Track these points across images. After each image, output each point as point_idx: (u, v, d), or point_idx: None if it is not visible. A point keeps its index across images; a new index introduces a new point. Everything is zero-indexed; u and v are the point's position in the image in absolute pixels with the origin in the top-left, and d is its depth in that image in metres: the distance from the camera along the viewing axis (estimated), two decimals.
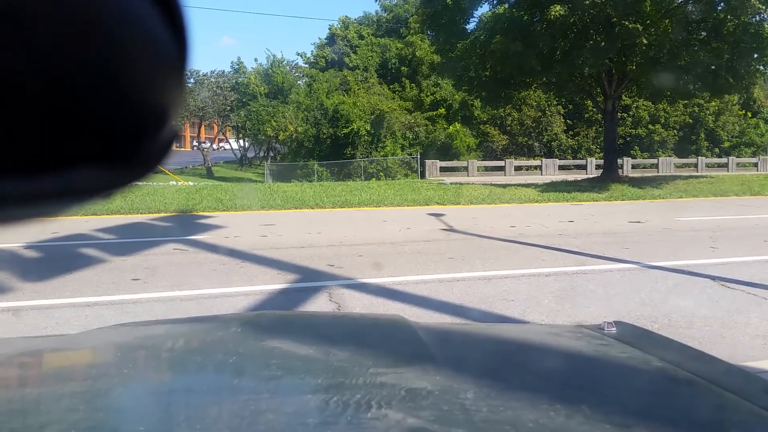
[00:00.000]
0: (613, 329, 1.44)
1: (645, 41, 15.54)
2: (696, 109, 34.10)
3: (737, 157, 33.87)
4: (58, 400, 0.96)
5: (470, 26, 19.81)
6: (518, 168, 31.50)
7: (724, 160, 33.19)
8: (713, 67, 16.59)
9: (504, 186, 17.72)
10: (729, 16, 15.73)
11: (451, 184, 18.79)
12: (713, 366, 1.20)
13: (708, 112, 34.38)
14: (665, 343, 1.38)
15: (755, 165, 33.04)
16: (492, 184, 18.33)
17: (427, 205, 14.19)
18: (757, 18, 15.80)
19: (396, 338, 1.39)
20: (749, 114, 36.02)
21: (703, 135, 34.95)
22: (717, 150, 34.91)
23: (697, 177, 19.82)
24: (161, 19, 0.32)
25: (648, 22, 15.72)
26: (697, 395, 1.05)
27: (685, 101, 24.59)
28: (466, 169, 30.57)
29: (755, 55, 15.88)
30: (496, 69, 18.52)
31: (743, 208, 13.38)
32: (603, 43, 16.00)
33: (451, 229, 9.99)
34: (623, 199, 15.45)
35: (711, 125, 34.80)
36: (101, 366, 1.25)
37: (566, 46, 17.07)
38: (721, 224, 10.35)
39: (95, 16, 0.29)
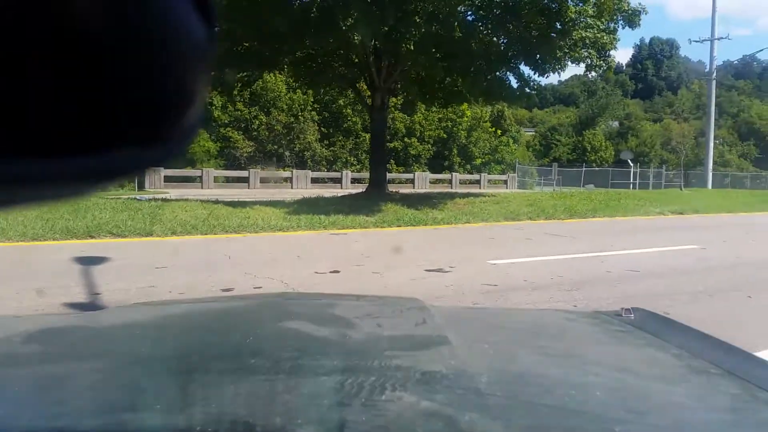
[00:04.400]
0: (631, 315, 1.43)
1: (430, 8, 11.52)
2: (449, 123, 33.08)
3: (488, 174, 33.66)
4: (77, 378, 0.99)
5: None
6: (265, 180, 26.78)
7: (476, 176, 32.71)
8: (510, 53, 13.38)
9: (240, 205, 12.23)
10: None
11: (152, 200, 12.69)
12: (732, 354, 1.16)
13: (461, 127, 33.62)
14: (684, 331, 1.34)
15: (504, 182, 33.13)
16: (222, 202, 12.74)
17: (92, 237, 8.16)
18: None
19: (412, 321, 1.40)
20: (499, 131, 36.29)
21: (455, 150, 34.10)
22: (469, 166, 34.34)
23: (477, 195, 16.75)
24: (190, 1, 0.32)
25: None
26: (716, 384, 1.04)
27: (449, 107, 21.68)
28: (200, 179, 24.76)
29: (558, 42, 12.74)
30: (234, 34, 12.96)
31: (566, 240, 9.87)
32: (375, 9, 11.58)
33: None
34: (400, 225, 11.20)
35: (464, 141, 34.11)
36: (120, 344, 1.25)
37: (327, 2, 12.32)
38: (578, 272, 6.31)
39: None
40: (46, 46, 0.27)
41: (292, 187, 26.22)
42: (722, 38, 31.95)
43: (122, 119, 0.31)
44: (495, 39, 13.78)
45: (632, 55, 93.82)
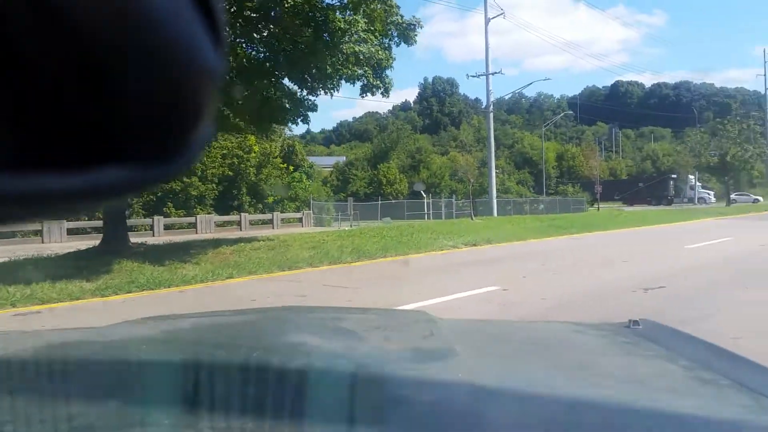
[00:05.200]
0: (639, 326, 1.42)
1: None
2: (236, 160, 30.24)
3: (282, 212, 31.34)
4: (86, 391, 1.00)
5: None
6: (3, 235, 21.27)
7: (268, 216, 30.20)
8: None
9: None
10: None
11: None
12: (742, 365, 1.16)
13: (249, 164, 30.92)
14: (692, 342, 1.35)
15: (300, 220, 31.06)
16: None
17: None
18: None
19: (419, 333, 1.42)
20: (291, 167, 34.21)
21: (245, 189, 31.25)
22: (261, 206, 31.69)
23: (249, 240, 14.00)
24: (199, 18, 0.32)
25: None
26: (725, 395, 1.03)
27: (224, 138, 18.86)
28: None
29: (328, 56, 10.62)
30: None
31: (348, 294, 7.72)
32: None
33: None
34: (131, 290, 8.18)
35: (253, 179, 31.42)
36: (128, 358, 1.26)
37: None
38: None
39: (134, 12, 0.29)
40: (54, 61, 0.27)
41: (43, 241, 21.26)
42: (496, 73, 33.63)
43: (130, 135, 0.31)
44: (252, 52, 11.52)
45: (418, 93, 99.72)
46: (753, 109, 56.08)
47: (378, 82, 12.13)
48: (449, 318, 1.72)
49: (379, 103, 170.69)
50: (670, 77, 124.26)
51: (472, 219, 19.57)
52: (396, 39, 12.55)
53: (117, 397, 0.97)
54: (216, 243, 13.07)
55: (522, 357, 1.30)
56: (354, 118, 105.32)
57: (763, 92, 61.94)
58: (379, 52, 11.54)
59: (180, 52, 0.31)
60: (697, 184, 49.02)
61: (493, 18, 31.25)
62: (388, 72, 12.40)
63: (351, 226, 26.60)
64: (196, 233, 23.82)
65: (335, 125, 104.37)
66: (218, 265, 10.25)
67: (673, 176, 38.54)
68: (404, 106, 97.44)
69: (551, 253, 12.03)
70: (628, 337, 1.38)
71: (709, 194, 50.38)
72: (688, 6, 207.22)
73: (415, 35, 12.72)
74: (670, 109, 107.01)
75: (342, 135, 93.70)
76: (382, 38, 12.02)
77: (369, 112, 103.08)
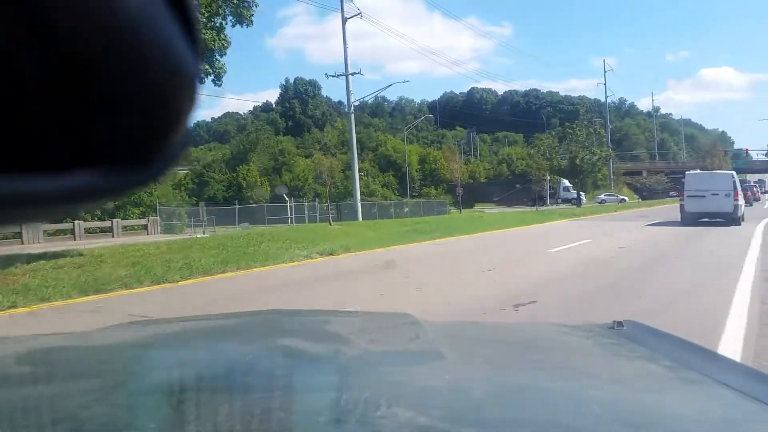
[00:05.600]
0: (623, 328, 1.42)
1: None
2: None
3: (124, 219, 28.05)
4: (71, 398, 0.97)
5: None
6: None
7: (107, 223, 26.89)
8: None
9: None
10: None
11: None
12: (724, 365, 1.20)
13: None
14: (675, 342, 1.36)
15: (145, 227, 27.99)
16: None
17: None
18: None
19: (406, 336, 1.42)
20: None
21: None
22: (99, 212, 28.14)
23: (63, 255, 11.52)
24: (174, 21, 0.32)
25: None
26: (707, 394, 1.04)
27: None
28: None
29: None
30: None
31: None
32: None
33: None
34: None
35: None
36: (113, 363, 1.25)
37: None
38: None
39: (111, 15, 0.28)
40: (29, 64, 0.27)
41: (22, 242, 17.24)
42: (355, 73, 32.71)
43: (107, 140, 0.31)
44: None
45: (279, 95, 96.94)
46: (595, 116, 60.64)
47: (207, 68, 10.40)
48: (435, 321, 1.81)
49: (240, 104, 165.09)
50: (520, 85, 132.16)
51: (330, 225, 18.16)
52: (230, 18, 10.89)
53: (102, 402, 0.95)
54: (9, 260, 10.49)
55: (508, 359, 1.32)
56: (213, 118, 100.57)
57: (602, 100, 67.75)
58: (205, 32, 9.85)
59: (157, 56, 0.30)
60: (569, 185, 51.88)
61: (350, 18, 30.50)
62: (219, 56, 10.71)
63: (204, 233, 24.28)
64: (22, 244, 20.24)
65: (192, 126, 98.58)
66: (1, 290, 7.94)
67: (547, 178, 40.44)
68: (265, 107, 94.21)
69: (414, 263, 10.96)
70: (613, 338, 1.40)
71: (581, 195, 53.85)
72: (533, 19, 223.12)
73: (251, 15, 11.18)
74: (521, 115, 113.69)
75: (200, 136, 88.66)
76: (210, 17, 10.29)
77: (228, 112, 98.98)
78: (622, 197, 55.35)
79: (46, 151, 0.29)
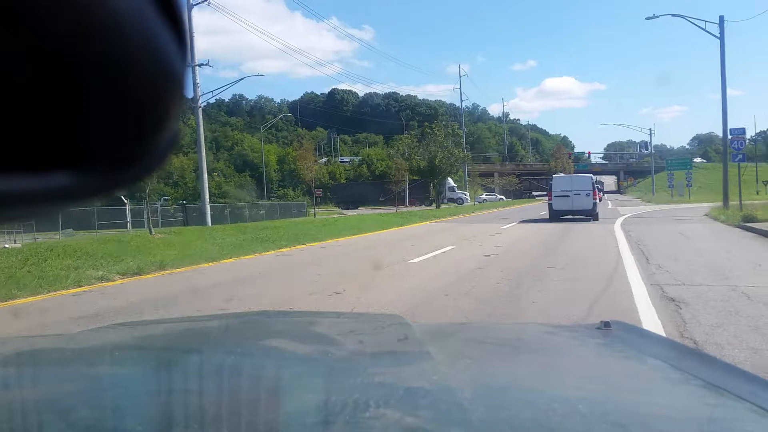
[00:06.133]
0: (610, 328, 1.43)
1: None
2: None
3: None
4: (57, 400, 0.97)
5: None
6: None
7: None
8: None
9: None
10: None
11: None
12: (711, 365, 1.19)
13: None
14: (662, 343, 1.37)
15: None
16: None
17: None
18: None
19: (394, 337, 1.42)
20: None
21: None
22: None
23: None
24: (162, 21, 0.32)
25: None
26: (696, 395, 1.04)
27: None
28: None
29: None
30: None
31: None
32: None
33: None
34: None
35: None
36: (99, 365, 1.23)
37: None
38: None
39: (99, 15, 0.29)
40: (18, 63, 0.27)
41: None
42: (203, 64, 29.48)
43: (95, 139, 0.31)
44: None
45: None
46: (451, 119, 61.58)
47: None
48: (423, 322, 1.75)
49: None
50: (380, 88, 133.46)
51: (151, 233, 15.02)
52: None
53: (88, 404, 0.94)
54: None
55: (496, 359, 1.31)
56: None
57: (458, 105, 69.50)
58: None
59: (145, 56, 0.31)
60: (454, 185, 54.71)
61: (196, 4, 27.40)
62: None
63: (16, 242, 19.83)
64: None
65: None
66: None
67: (435, 180, 39.41)
68: None
69: (244, 285, 8.48)
70: (600, 338, 1.40)
71: (465, 195, 56.63)
72: (391, 26, 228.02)
73: None
74: (381, 116, 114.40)
75: None
76: None
77: None
78: (500, 196, 60.62)
79: (31, 150, 0.28)
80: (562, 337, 1.50)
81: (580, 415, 0.87)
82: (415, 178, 43.35)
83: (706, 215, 21.39)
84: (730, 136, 20.70)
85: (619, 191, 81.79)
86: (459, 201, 53.57)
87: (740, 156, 20.59)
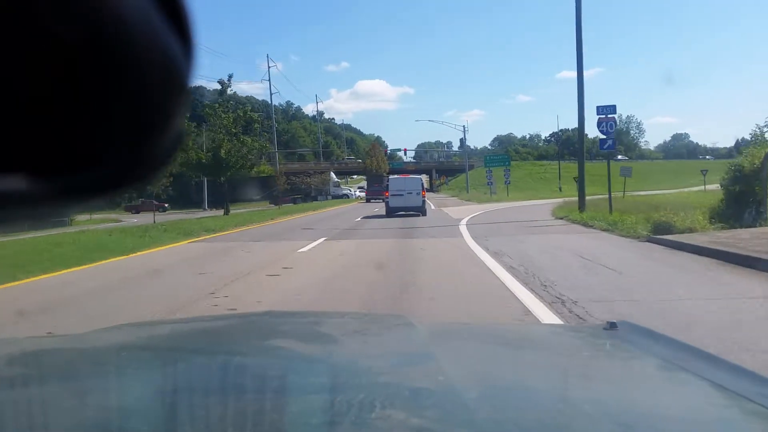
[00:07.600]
0: (616, 329, 1.40)
1: None
2: None
3: None
4: (63, 400, 0.96)
5: None
6: None
7: None
8: None
9: None
10: None
11: None
12: (718, 366, 1.15)
13: None
14: (668, 343, 1.33)
15: None
16: None
17: None
18: None
19: (398, 337, 1.41)
20: None
21: None
22: None
23: None
24: (168, 23, 0.32)
25: None
26: (702, 395, 1.03)
27: None
28: None
29: None
30: None
31: None
32: None
33: None
34: None
35: None
36: (105, 366, 1.22)
37: None
38: None
39: (106, 19, 0.29)
40: (27, 66, 0.27)
41: None
42: None
43: (103, 140, 0.31)
44: None
45: None
46: (263, 116, 54.22)
47: None
48: (428, 322, 1.71)
49: None
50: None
51: None
52: None
53: (95, 405, 0.94)
54: None
55: (501, 360, 1.29)
56: None
57: (269, 102, 63.30)
58: None
59: (151, 59, 0.30)
60: (338, 181, 57.32)
61: None
62: None
63: None
64: None
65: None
66: None
67: (223, 178, 30.60)
68: None
69: None
70: (606, 338, 1.37)
71: (351, 191, 58.44)
72: (201, 17, 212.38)
73: None
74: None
75: None
76: None
77: None
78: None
79: (38, 152, 0.28)
80: (567, 337, 1.51)
81: (585, 415, 0.88)
82: (192, 175, 35.01)
83: (563, 219, 16.57)
84: (599, 116, 15.41)
85: (432, 189, 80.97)
86: (345, 196, 56.48)
87: (609, 142, 15.47)
